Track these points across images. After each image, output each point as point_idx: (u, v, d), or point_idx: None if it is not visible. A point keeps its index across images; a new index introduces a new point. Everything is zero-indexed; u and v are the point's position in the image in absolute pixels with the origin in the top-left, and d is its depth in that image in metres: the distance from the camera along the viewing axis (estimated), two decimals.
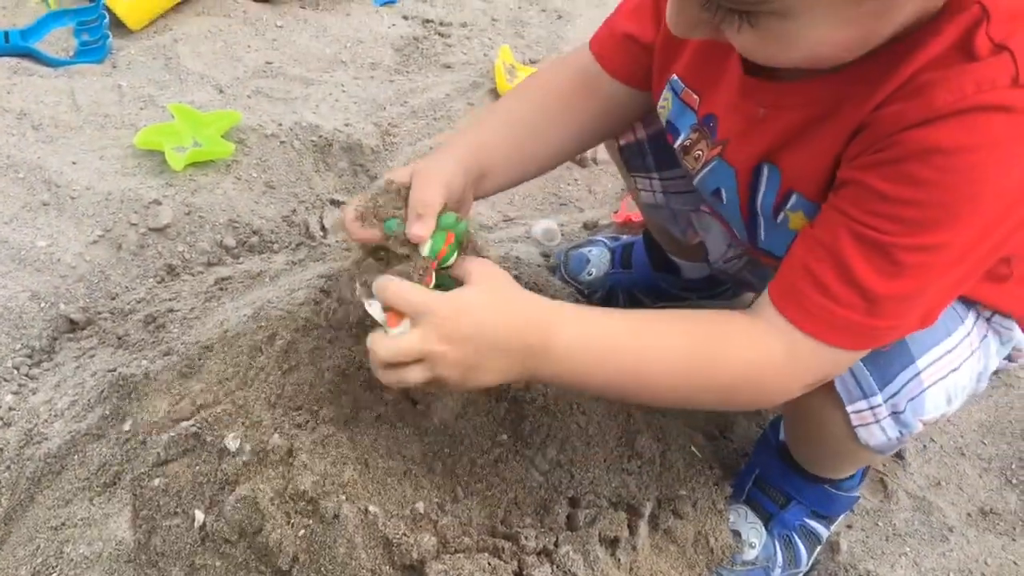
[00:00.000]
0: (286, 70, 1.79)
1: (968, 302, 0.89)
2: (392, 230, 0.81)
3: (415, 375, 0.75)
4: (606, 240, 1.47)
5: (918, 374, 0.86)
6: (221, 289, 1.25)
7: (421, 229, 0.80)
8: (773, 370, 0.78)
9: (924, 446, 1.26)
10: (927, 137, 0.69)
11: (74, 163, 1.46)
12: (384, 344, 0.74)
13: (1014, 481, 1.23)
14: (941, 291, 0.77)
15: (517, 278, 1.39)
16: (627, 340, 0.79)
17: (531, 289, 1.29)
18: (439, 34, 1.99)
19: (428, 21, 2.03)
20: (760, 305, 0.80)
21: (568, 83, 1.05)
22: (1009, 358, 0.99)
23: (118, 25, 1.80)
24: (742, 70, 0.85)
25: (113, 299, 1.30)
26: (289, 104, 1.68)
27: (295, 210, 1.50)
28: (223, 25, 1.85)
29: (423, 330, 0.74)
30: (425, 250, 0.80)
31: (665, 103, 0.97)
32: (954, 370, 0.88)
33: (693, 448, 1.10)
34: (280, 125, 1.59)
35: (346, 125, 1.63)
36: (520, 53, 1.96)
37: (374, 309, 0.77)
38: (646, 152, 1.14)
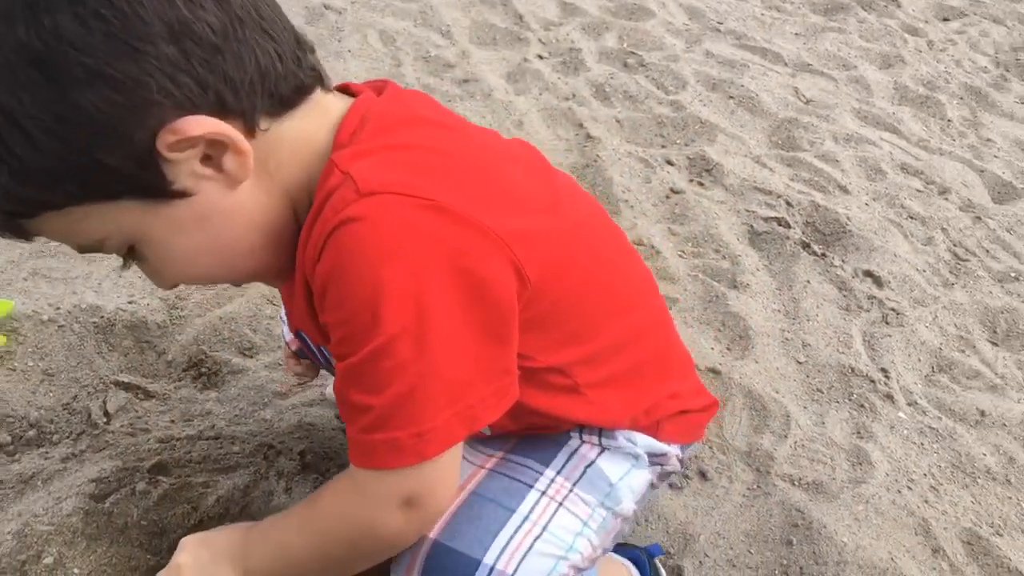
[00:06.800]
0: (65, 248, 1.76)
1: (547, 453, 0.98)
2: None
3: None
4: None
5: (491, 569, 0.87)
6: None
7: None
8: (365, 511, 0.85)
9: (700, 561, 1.38)
10: (321, 269, 0.79)
11: None
12: None
13: None
14: (440, 386, 0.80)
15: (309, 448, 1.42)
16: (292, 550, 0.88)
17: (322, 459, 1.33)
18: None
19: None
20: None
21: None
22: (661, 464, 1.05)
23: None
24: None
25: None
26: (69, 284, 1.66)
27: (76, 396, 1.46)
28: None
29: None
30: None
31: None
32: (538, 537, 0.91)
33: None
34: (58, 309, 1.56)
35: (130, 303, 1.63)
36: None
37: None
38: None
